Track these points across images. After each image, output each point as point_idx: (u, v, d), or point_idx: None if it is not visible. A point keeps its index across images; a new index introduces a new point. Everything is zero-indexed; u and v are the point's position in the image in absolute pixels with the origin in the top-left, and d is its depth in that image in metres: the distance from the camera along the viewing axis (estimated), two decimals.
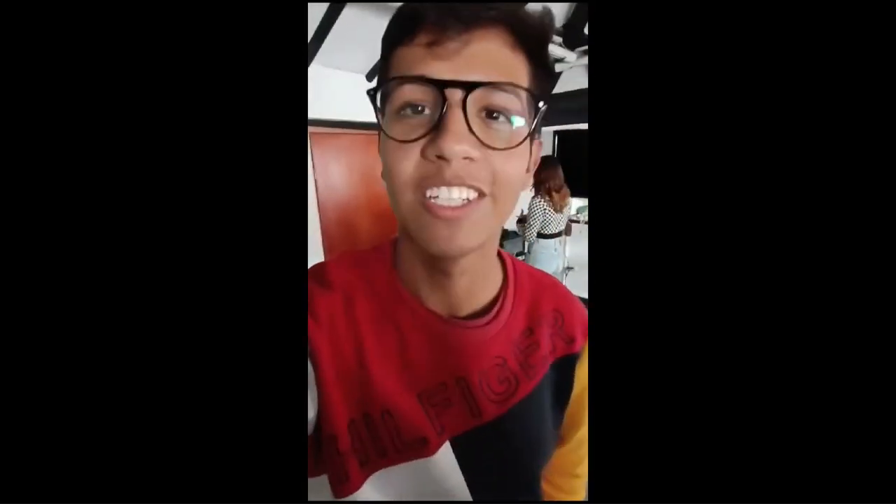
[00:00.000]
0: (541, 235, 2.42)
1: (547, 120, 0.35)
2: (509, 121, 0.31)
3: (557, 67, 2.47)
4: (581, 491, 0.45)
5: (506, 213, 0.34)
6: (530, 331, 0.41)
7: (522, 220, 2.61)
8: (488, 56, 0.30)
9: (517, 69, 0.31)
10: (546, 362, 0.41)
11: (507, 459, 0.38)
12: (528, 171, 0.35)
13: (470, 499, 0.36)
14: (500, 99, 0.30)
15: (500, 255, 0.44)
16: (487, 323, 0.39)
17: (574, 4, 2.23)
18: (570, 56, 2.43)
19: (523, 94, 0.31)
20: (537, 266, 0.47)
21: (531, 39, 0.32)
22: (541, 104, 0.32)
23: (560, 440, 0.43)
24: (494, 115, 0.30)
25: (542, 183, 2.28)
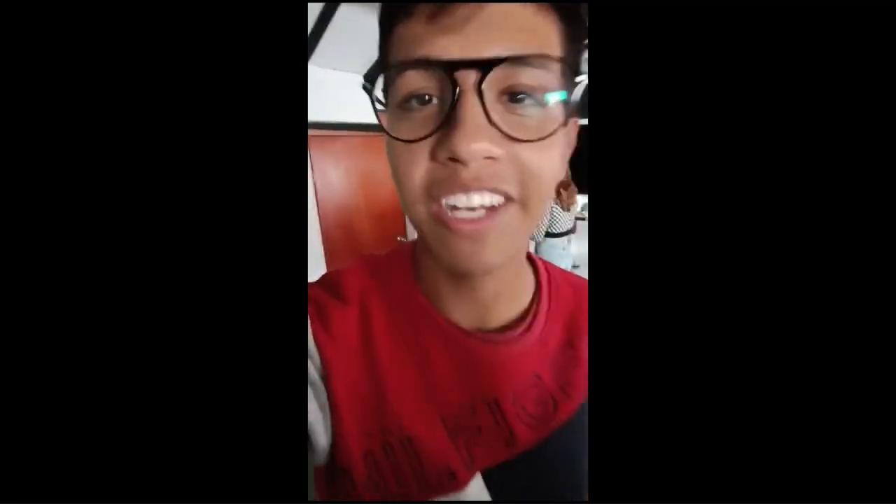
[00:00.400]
0: (548, 234, 2.36)
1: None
2: (540, 103, 0.24)
3: None
4: None
5: (538, 216, 0.28)
6: (570, 344, 0.36)
7: None
8: (508, 20, 0.23)
9: (546, 33, 0.25)
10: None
11: (548, 494, 0.32)
12: (563, 158, 0.29)
13: None
14: (528, 76, 0.24)
15: (529, 258, 0.39)
16: (520, 335, 0.33)
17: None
18: None
19: (556, 67, 0.24)
20: None
21: None
22: (578, 78, 0.25)
23: None
24: (520, 97, 0.24)
25: None
